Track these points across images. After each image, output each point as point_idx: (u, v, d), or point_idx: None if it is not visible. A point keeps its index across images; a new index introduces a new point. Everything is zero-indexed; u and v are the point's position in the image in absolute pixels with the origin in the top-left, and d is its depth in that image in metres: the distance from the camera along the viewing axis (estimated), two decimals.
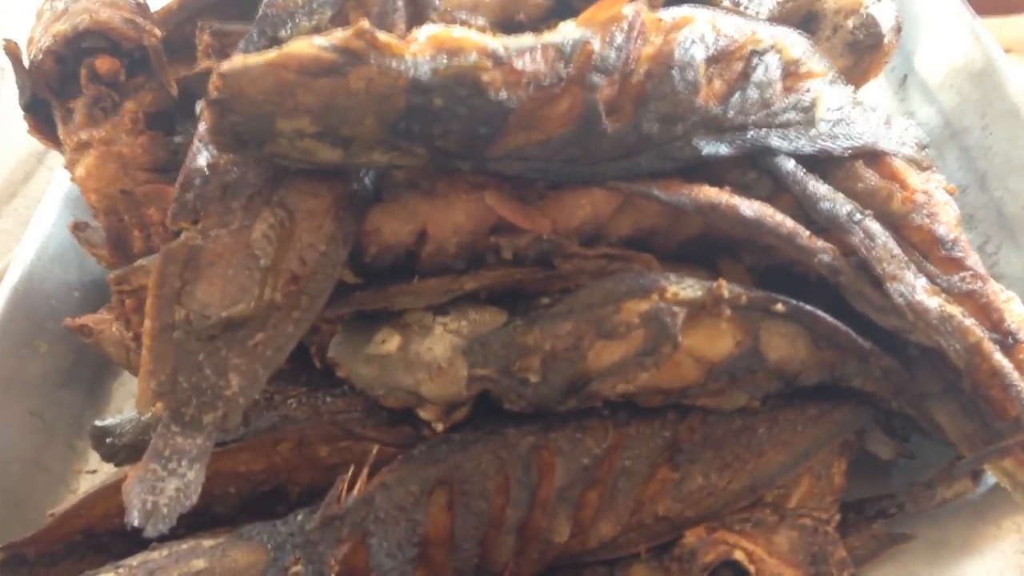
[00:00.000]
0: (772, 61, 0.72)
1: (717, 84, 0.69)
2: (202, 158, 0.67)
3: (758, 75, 0.70)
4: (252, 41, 0.72)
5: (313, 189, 0.66)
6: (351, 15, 0.75)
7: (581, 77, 0.65)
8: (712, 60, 0.70)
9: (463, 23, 0.75)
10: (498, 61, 0.63)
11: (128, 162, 0.85)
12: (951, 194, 0.81)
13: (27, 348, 0.88)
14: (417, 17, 0.75)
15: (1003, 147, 1.01)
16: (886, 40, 0.88)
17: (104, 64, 0.89)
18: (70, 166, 0.87)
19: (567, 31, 0.67)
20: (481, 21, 0.76)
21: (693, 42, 0.69)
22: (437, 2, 0.75)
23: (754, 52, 0.71)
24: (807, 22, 0.88)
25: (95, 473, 0.85)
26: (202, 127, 0.68)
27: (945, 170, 1.04)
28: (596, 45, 0.66)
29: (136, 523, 0.54)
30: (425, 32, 0.63)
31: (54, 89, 0.91)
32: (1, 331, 0.86)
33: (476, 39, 0.64)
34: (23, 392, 0.86)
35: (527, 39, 0.65)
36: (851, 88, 0.78)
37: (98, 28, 0.89)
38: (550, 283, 0.68)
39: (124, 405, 0.91)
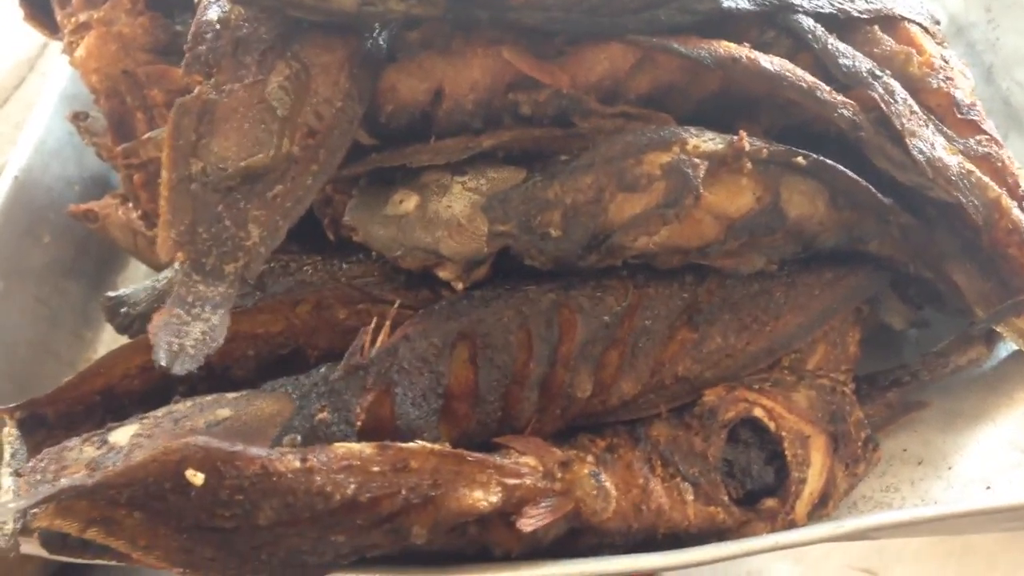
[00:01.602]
0: None
1: None
2: (213, 11, 0.65)
3: None
4: None
5: (327, 43, 0.65)
6: None
7: None
8: None
9: None
10: None
11: (129, 42, 0.83)
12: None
13: (29, 237, 0.87)
14: None
15: (1009, 39, 1.01)
16: None
17: None
18: (68, 49, 0.85)
19: None
20: None
21: None
22: None
23: None
24: None
25: None
26: None
27: None
28: None
29: (163, 363, 0.53)
30: None
31: None
32: (2, 219, 0.84)
33: None
34: (27, 279, 0.84)
35: None
36: None
37: None
38: (569, 142, 0.67)
39: None
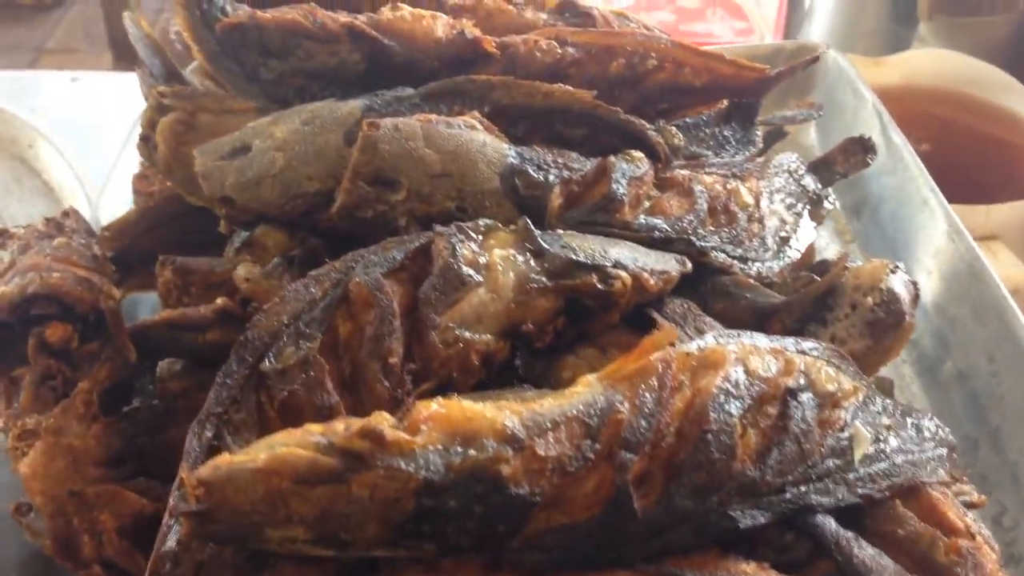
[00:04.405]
0: (808, 402, 0.66)
1: (752, 437, 0.63)
2: (172, 539, 0.58)
3: (795, 424, 0.64)
4: (231, 372, 0.64)
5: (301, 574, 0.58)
6: (341, 327, 0.68)
7: (609, 454, 0.58)
8: (746, 409, 0.63)
9: (467, 342, 0.68)
10: (518, 446, 0.56)
11: (79, 456, 0.76)
12: (981, 506, 0.76)
13: None
14: (416, 337, 0.67)
15: (1017, 400, 0.97)
16: (907, 318, 0.83)
17: (55, 333, 0.80)
18: (12, 455, 0.77)
19: (591, 393, 0.60)
20: (487, 336, 0.69)
21: (728, 394, 0.62)
22: (438, 320, 0.67)
23: (788, 392, 0.65)
24: (824, 297, 0.83)
25: None
26: (173, 499, 0.60)
27: (951, 416, 0.99)
28: (625, 411, 0.59)
29: None
30: (433, 413, 0.56)
31: None
32: None
33: (491, 417, 0.56)
34: None
35: (547, 407, 0.58)
36: (882, 401, 0.73)
37: (49, 292, 0.80)
38: None
39: None
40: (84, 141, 1.48)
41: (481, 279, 0.69)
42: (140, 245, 1.03)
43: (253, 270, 0.83)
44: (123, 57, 4.15)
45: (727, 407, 0.62)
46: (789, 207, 0.97)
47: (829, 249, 1.22)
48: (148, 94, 1.00)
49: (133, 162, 1.17)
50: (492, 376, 0.71)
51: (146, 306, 1.06)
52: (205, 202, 0.86)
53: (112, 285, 0.83)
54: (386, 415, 0.57)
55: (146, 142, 0.88)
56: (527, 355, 0.73)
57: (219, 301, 0.87)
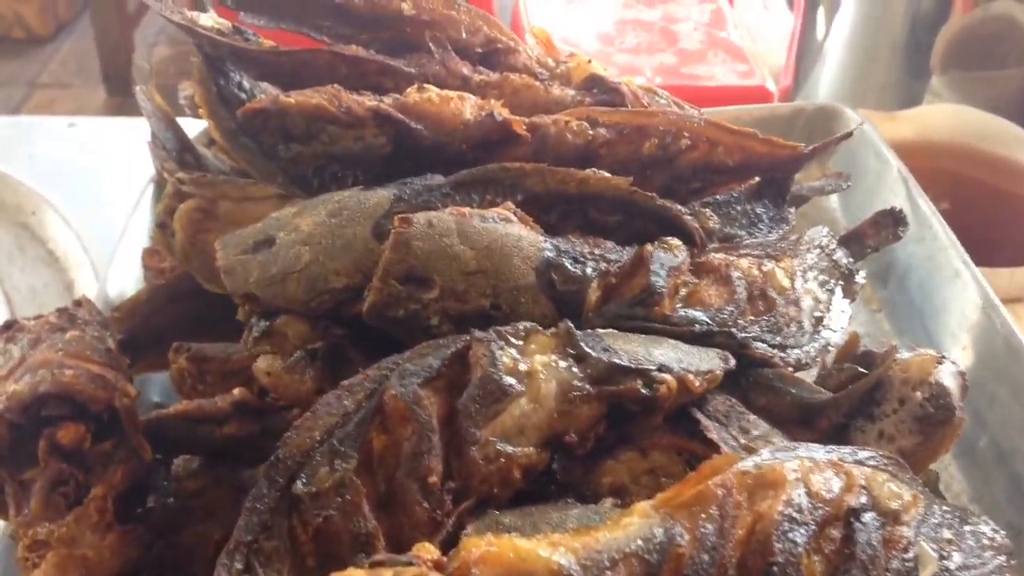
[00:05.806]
0: (872, 523, 0.62)
1: (817, 566, 0.59)
2: None
3: (861, 549, 0.60)
4: (260, 496, 0.61)
5: None
6: (376, 440, 0.64)
7: None
8: (810, 536, 0.60)
9: (508, 456, 0.64)
10: None
11: (93, 568, 0.72)
12: None
13: None
14: (455, 451, 0.64)
15: None
16: (957, 413, 0.80)
17: (67, 434, 0.76)
18: (22, 565, 0.73)
19: (649, 526, 0.56)
20: (529, 449, 0.65)
21: (792, 521, 0.59)
22: (478, 435, 0.64)
23: (851, 512, 0.62)
24: (872, 392, 0.80)
25: None
26: None
27: (992, 503, 0.96)
28: (686, 544, 0.55)
29: None
30: (484, 554, 0.52)
31: (5, 457, 0.77)
32: None
33: (546, 557, 0.53)
34: None
35: (603, 542, 0.55)
36: (940, 509, 0.69)
37: (61, 391, 0.76)
38: None
39: None
40: (84, 193, 1.45)
41: (523, 388, 0.65)
42: (150, 324, 0.99)
43: (275, 364, 0.79)
44: (117, 92, 4.13)
45: (791, 535, 0.58)
46: (822, 284, 0.94)
47: (856, 318, 1.18)
48: (160, 169, 0.97)
49: (141, 231, 1.14)
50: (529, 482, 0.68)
51: (156, 387, 1.02)
52: (224, 292, 0.82)
53: (127, 381, 0.79)
54: (430, 547, 0.54)
55: (163, 229, 0.85)
56: (565, 459, 0.70)
57: (236, 392, 0.83)
